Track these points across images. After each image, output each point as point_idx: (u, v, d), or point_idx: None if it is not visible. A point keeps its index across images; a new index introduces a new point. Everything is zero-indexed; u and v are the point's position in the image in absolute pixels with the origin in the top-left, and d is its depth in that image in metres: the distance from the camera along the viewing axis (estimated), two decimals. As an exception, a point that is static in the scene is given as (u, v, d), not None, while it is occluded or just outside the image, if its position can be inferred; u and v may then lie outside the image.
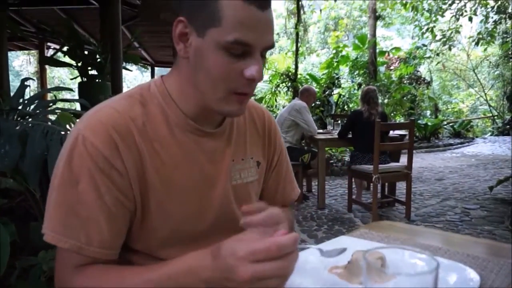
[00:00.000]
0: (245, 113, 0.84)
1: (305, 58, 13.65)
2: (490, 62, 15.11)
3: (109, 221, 0.64)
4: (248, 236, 0.55)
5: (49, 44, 7.54)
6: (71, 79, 6.91)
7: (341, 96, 9.18)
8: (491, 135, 13.16)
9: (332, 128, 4.50)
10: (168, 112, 0.71)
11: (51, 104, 2.30)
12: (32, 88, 11.58)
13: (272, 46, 0.67)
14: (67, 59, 4.90)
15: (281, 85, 8.79)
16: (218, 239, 0.79)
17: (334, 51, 9.14)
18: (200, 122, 0.73)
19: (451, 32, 8.96)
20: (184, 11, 0.66)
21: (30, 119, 1.85)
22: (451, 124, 12.02)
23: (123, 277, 0.61)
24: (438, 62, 13.22)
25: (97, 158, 0.63)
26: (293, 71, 8.52)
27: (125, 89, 4.50)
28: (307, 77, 9.10)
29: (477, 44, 8.95)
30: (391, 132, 3.97)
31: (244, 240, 0.54)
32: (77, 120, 0.69)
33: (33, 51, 10.14)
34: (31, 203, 1.89)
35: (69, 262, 0.64)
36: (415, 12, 8.63)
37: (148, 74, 10.75)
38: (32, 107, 2.05)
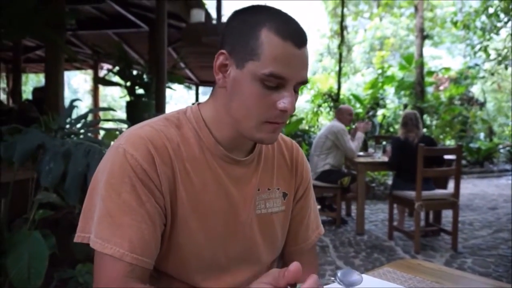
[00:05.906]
0: (275, 145, 0.87)
1: (349, 77, 13.46)
2: (552, 82, 14.03)
3: (150, 229, 0.68)
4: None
5: (102, 64, 8.08)
6: (120, 97, 7.31)
7: (386, 117, 8.90)
8: (554, 161, 12.09)
9: (373, 151, 4.33)
10: (201, 136, 0.76)
11: (96, 123, 2.44)
12: (87, 104, 12.38)
13: (305, 82, 0.71)
14: (117, 79, 5.21)
15: (323, 105, 8.71)
16: (244, 274, 0.81)
17: (379, 71, 8.94)
18: (230, 149, 0.77)
19: (507, 51, 8.46)
20: (226, 45, 0.72)
21: (75, 138, 1.97)
22: (507, 148, 11.19)
23: None
24: (493, 82, 12.45)
25: (136, 169, 0.68)
26: (336, 91, 8.42)
27: (172, 106, 4.67)
28: (350, 97, 8.95)
29: (536, 63, 8.39)
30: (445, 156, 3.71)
31: None
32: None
33: (89, 71, 10.88)
34: (75, 216, 1.99)
35: (114, 269, 0.65)
36: (467, 31, 8.27)
37: (193, 92, 11.11)
38: (78, 125, 2.18)
